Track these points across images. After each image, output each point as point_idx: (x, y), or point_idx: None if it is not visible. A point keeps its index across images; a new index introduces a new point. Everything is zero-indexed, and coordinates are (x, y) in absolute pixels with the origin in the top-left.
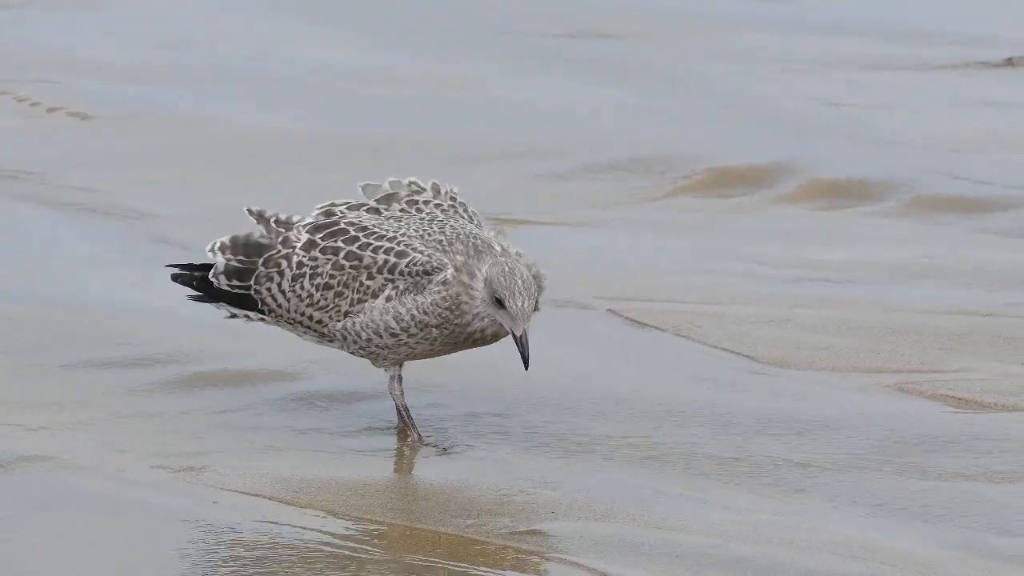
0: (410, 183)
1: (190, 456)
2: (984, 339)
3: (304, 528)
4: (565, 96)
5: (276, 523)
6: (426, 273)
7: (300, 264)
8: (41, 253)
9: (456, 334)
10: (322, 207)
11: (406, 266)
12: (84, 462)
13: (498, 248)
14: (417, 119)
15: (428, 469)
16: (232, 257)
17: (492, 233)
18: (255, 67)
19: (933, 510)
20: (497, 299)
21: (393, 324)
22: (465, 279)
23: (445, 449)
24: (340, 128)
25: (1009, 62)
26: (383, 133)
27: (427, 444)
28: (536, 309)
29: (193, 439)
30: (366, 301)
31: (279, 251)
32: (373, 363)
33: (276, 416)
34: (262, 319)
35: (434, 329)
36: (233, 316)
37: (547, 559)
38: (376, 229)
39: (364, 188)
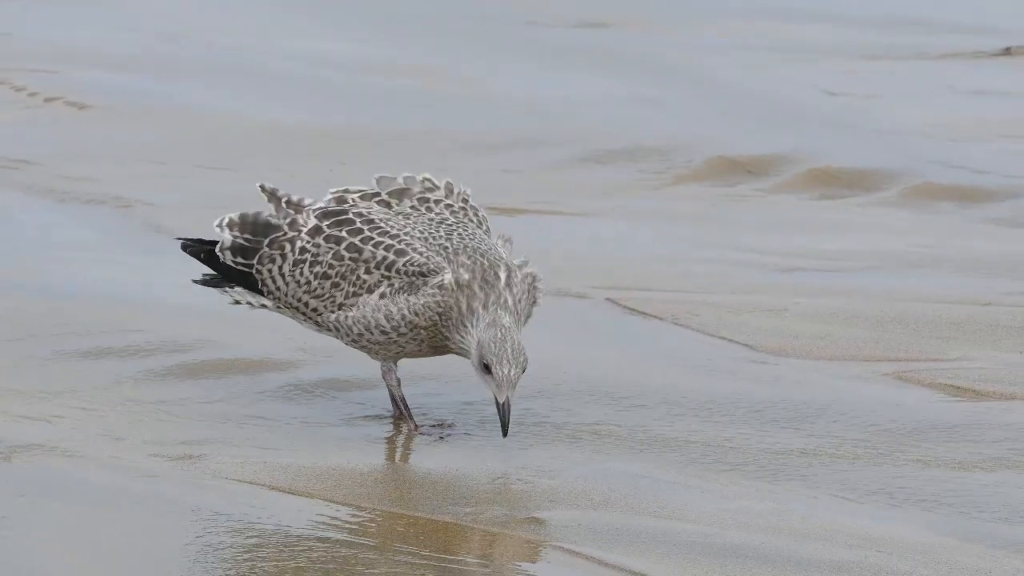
0: (423, 179)
1: (187, 444)
2: (983, 328)
3: (301, 516)
4: (563, 86)
5: (273, 511)
6: (422, 275)
7: (303, 249)
8: (37, 243)
9: (438, 338)
10: (336, 192)
11: (403, 265)
12: (81, 451)
13: (503, 276)
14: (416, 110)
15: (425, 457)
16: (239, 234)
17: (499, 241)
18: (253, 59)
19: (931, 498)
20: (484, 364)
21: (384, 322)
22: (464, 304)
23: (441, 437)
24: (338, 120)
25: (1007, 51)
26: (381, 124)
27: (423, 433)
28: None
29: (190, 427)
30: (361, 295)
31: (285, 233)
32: (369, 355)
33: (273, 404)
34: (264, 306)
35: (423, 331)
36: (237, 303)
37: (545, 547)
38: (382, 224)
39: (379, 180)
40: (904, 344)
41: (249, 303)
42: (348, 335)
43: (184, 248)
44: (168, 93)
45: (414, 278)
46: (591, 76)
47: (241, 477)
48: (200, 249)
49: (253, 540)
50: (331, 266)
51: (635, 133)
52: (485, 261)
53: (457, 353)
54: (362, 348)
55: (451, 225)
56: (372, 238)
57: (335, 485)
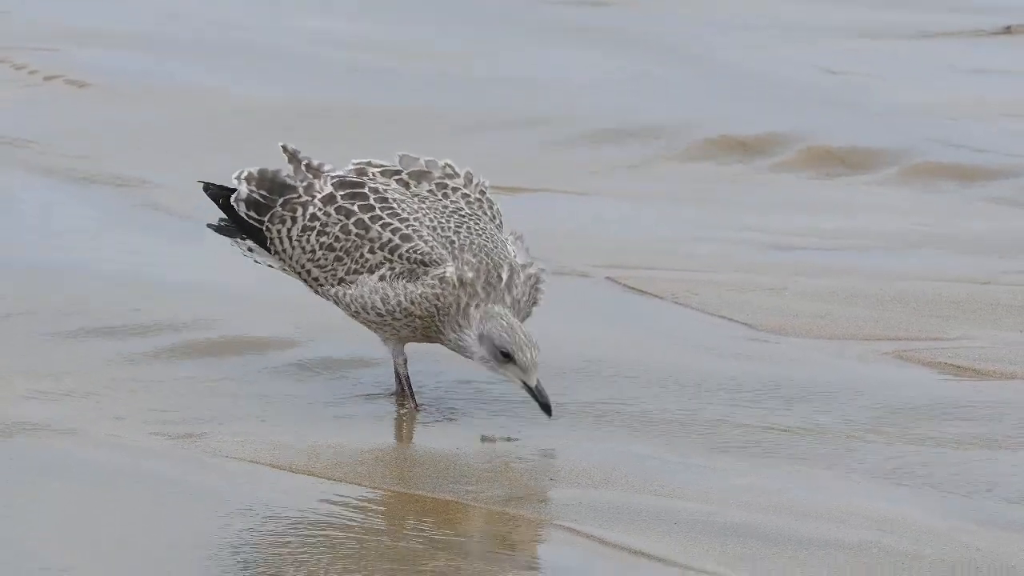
0: (445, 165)
1: (188, 423)
2: (983, 307)
3: (301, 494)
4: (563, 65)
5: (274, 489)
6: (423, 264)
7: (313, 216)
8: (37, 221)
9: (432, 329)
10: (358, 163)
11: (407, 251)
12: (81, 430)
13: (505, 276)
14: (416, 90)
15: (426, 436)
16: (255, 189)
17: (510, 238)
18: (253, 38)
19: (932, 478)
20: (504, 354)
21: (379, 304)
22: (463, 302)
23: (450, 418)
24: (339, 99)
25: (1008, 30)
26: (381, 104)
27: (424, 411)
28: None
29: (191, 406)
30: (361, 274)
31: (299, 196)
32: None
33: (274, 383)
34: (270, 266)
35: (417, 319)
36: (250, 251)
37: (545, 526)
38: (394, 205)
39: (401, 159)
40: (904, 323)
41: (257, 262)
42: (347, 310)
43: (205, 190)
44: (169, 72)
45: (415, 266)
46: (591, 55)
47: (241, 456)
48: (220, 194)
49: (253, 518)
50: (337, 239)
51: (635, 112)
52: (490, 261)
53: (447, 347)
54: (362, 324)
55: (463, 216)
56: (381, 218)
57: (336, 464)
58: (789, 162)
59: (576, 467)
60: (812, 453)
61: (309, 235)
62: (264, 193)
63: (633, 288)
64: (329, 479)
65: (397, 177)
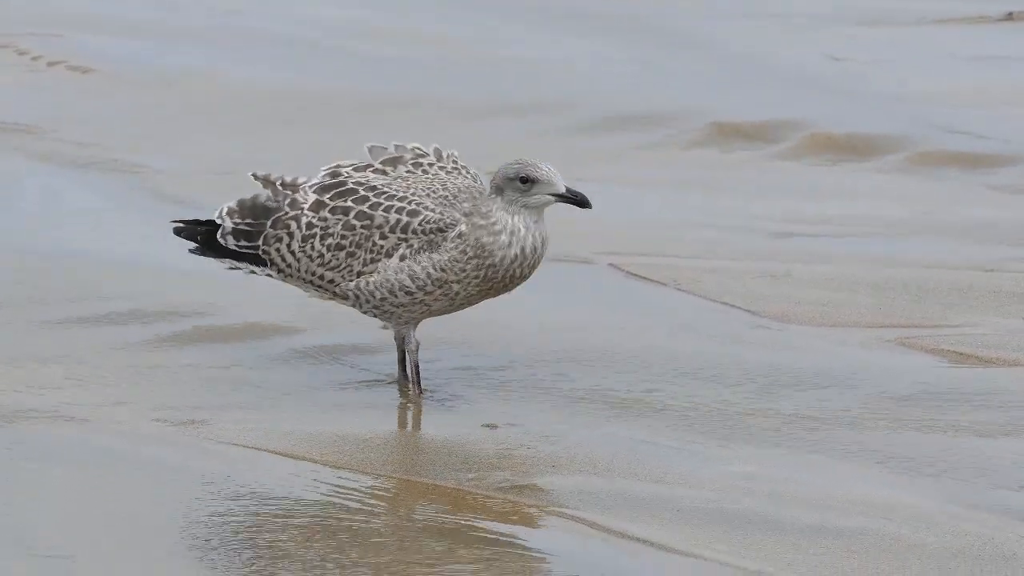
0: (413, 147)
1: (191, 410)
2: (986, 294)
3: (304, 481)
4: (565, 52)
5: (276, 476)
6: (439, 230)
7: (310, 225)
8: (40, 207)
9: (492, 279)
10: (328, 168)
11: (419, 224)
12: (84, 416)
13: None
14: (418, 76)
15: (428, 423)
16: (240, 220)
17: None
18: (257, 24)
19: (935, 465)
20: (523, 179)
21: (408, 283)
22: (478, 220)
23: (453, 406)
24: (341, 85)
25: (1010, 16)
26: (384, 91)
27: (428, 398)
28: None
29: (194, 393)
30: (379, 261)
31: (287, 213)
32: (383, 324)
33: (278, 370)
34: (268, 275)
35: (455, 284)
36: (235, 268)
37: (548, 513)
38: (386, 189)
39: (371, 150)
40: (907, 310)
41: (252, 270)
42: (369, 301)
43: (177, 233)
44: (172, 58)
45: (433, 235)
46: (594, 42)
47: (244, 442)
48: (195, 232)
49: (255, 505)
50: (343, 236)
51: (639, 100)
52: (478, 189)
53: (517, 279)
54: (382, 314)
55: (444, 179)
56: (381, 203)
57: (338, 450)
58: (792, 149)
59: (578, 454)
60: (814, 440)
61: (312, 242)
62: (250, 221)
63: (636, 275)
64: (331, 466)
65: (372, 169)
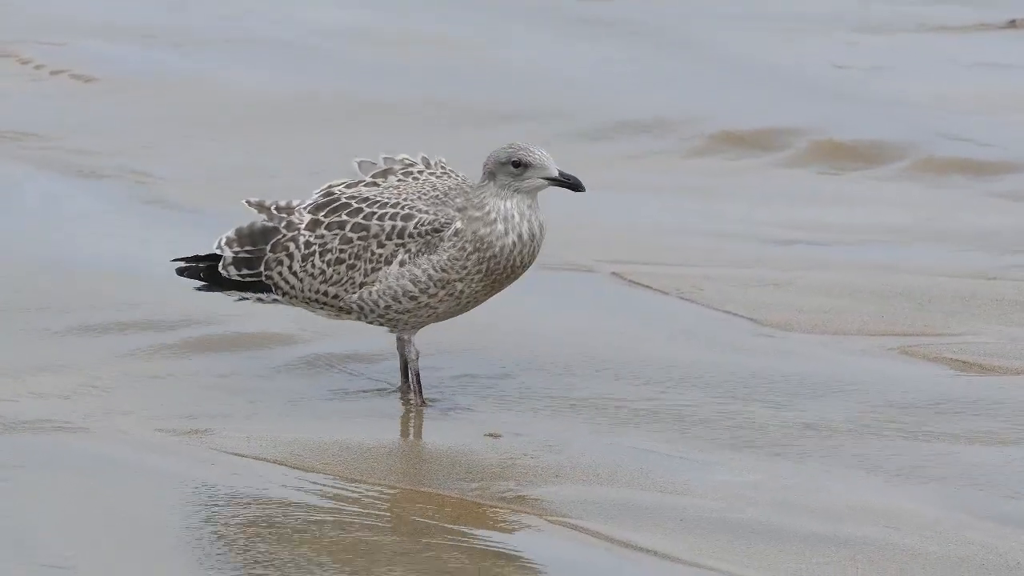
0: (402, 158)
1: (193, 419)
2: (988, 302)
3: (307, 491)
4: (568, 58)
5: (279, 485)
6: (435, 231)
7: (308, 244)
8: (43, 215)
9: (494, 271)
10: (320, 189)
11: (414, 227)
12: (87, 425)
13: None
14: (419, 80)
15: (431, 432)
16: (239, 248)
17: None
18: (260, 30)
19: (937, 473)
20: (515, 163)
21: (411, 287)
22: (473, 213)
23: (456, 415)
24: (343, 90)
25: (1011, 24)
26: (385, 94)
27: (430, 407)
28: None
29: (196, 402)
30: (380, 269)
31: (285, 235)
32: (391, 330)
33: (280, 379)
34: (276, 300)
35: (458, 283)
36: (243, 299)
37: (551, 523)
38: (378, 198)
39: (360, 165)
40: (909, 318)
41: (259, 298)
42: (374, 311)
43: (180, 273)
44: (175, 66)
45: (429, 237)
46: (595, 48)
47: (246, 451)
48: (197, 269)
49: (257, 514)
50: (342, 250)
51: (640, 106)
52: (469, 185)
53: (519, 268)
54: (388, 322)
55: (434, 183)
56: (374, 213)
57: (340, 460)
58: (794, 157)
59: (581, 463)
60: (817, 449)
61: (312, 260)
62: (249, 248)
63: (638, 283)
64: (334, 475)
65: (363, 183)
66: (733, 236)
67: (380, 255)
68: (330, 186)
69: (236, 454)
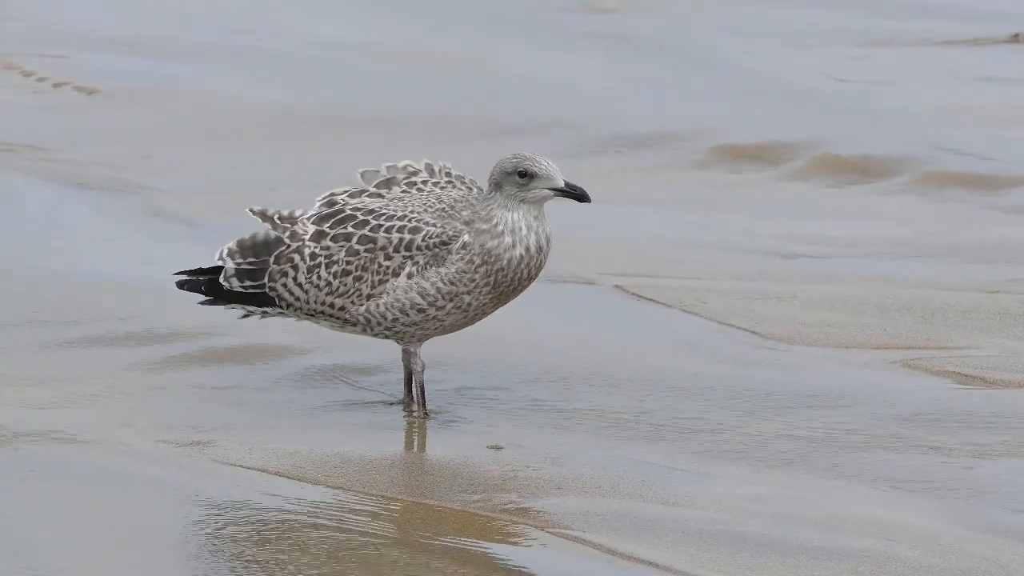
0: (405, 166)
1: (196, 431)
2: (991, 315)
3: (309, 503)
4: (568, 71)
5: (281, 497)
6: (443, 244)
7: (313, 255)
8: (44, 228)
9: (502, 284)
10: (323, 198)
11: (422, 240)
12: (89, 437)
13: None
14: (421, 93)
15: (433, 444)
16: (242, 260)
17: None
18: (258, 42)
19: (940, 486)
20: (521, 173)
21: (419, 300)
22: (480, 225)
23: (457, 427)
24: (344, 103)
25: (1015, 38)
26: (386, 107)
27: (433, 420)
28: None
29: (199, 414)
30: (387, 281)
31: (289, 246)
32: (398, 342)
33: (282, 391)
34: (281, 313)
35: (466, 296)
36: (247, 315)
37: (553, 535)
38: (384, 210)
39: (363, 175)
40: (912, 332)
41: (264, 311)
42: (381, 323)
43: (180, 286)
44: (177, 78)
45: (437, 250)
46: (597, 61)
47: (249, 464)
48: (198, 283)
49: (259, 526)
50: (348, 262)
51: (643, 120)
52: (475, 194)
53: (525, 280)
54: (394, 335)
55: (440, 194)
56: (382, 225)
57: (343, 472)
58: (798, 170)
59: (583, 475)
60: (821, 462)
61: (318, 271)
62: (252, 259)
63: (641, 296)
64: (336, 487)
65: (366, 194)
66: (736, 249)
67: (387, 267)
68: (332, 194)
69: (238, 466)
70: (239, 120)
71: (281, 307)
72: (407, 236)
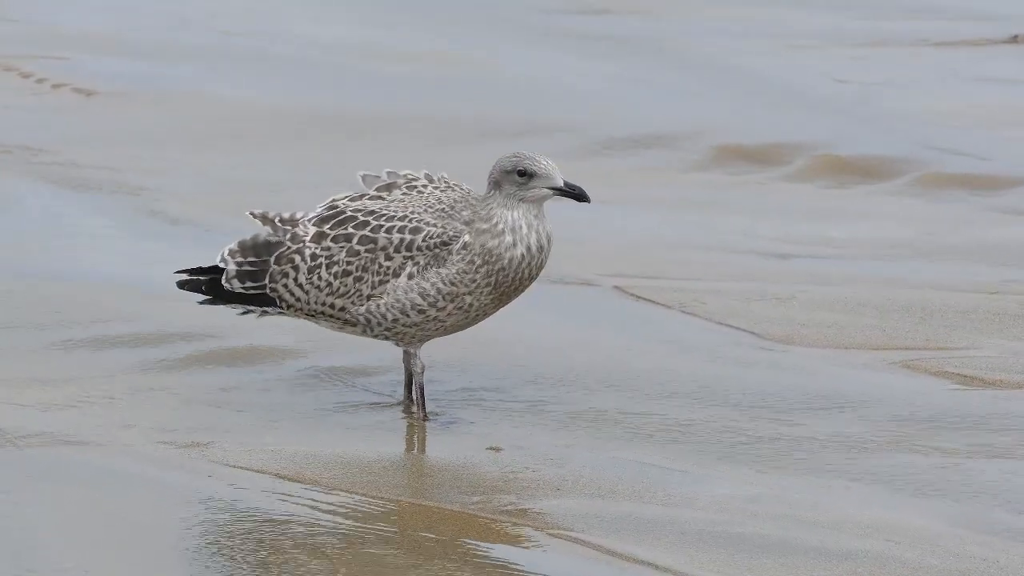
0: (406, 173)
1: (196, 432)
2: (990, 316)
3: (309, 504)
4: (568, 73)
5: (281, 499)
6: (444, 244)
7: (314, 256)
8: (44, 229)
9: (503, 284)
10: (324, 202)
11: (422, 241)
12: (89, 438)
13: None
14: (420, 95)
15: (433, 446)
16: (243, 260)
17: None
18: (256, 44)
19: (939, 487)
20: (520, 172)
21: (419, 300)
22: (481, 225)
23: (457, 429)
24: (343, 104)
25: (1014, 39)
26: (385, 109)
27: (432, 422)
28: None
29: (198, 415)
30: (388, 282)
31: (290, 247)
32: (396, 344)
33: (282, 393)
34: (280, 313)
35: (467, 297)
36: (247, 312)
37: (553, 536)
38: (385, 211)
39: (364, 178)
40: (912, 332)
41: (264, 311)
42: (381, 324)
43: (181, 286)
44: (176, 79)
45: (438, 250)
46: (596, 63)
47: (248, 465)
48: (198, 283)
49: (260, 527)
50: (349, 262)
51: (642, 121)
52: (474, 196)
53: (526, 280)
54: (394, 336)
55: (439, 196)
56: (382, 226)
57: (342, 473)
58: (797, 172)
59: (583, 476)
60: (820, 463)
61: (319, 272)
62: (253, 260)
63: (640, 297)
64: (336, 488)
65: (367, 197)
66: (735, 250)
67: (388, 267)
68: (334, 199)
69: (238, 467)
70: (238, 121)
71: (281, 307)
72: (408, 236)
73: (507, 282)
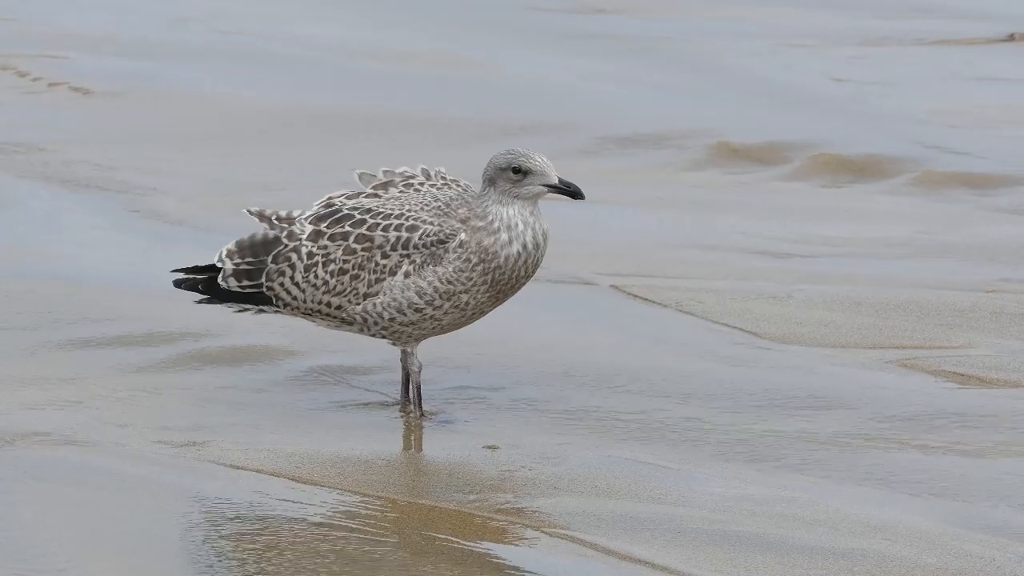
0: (402, 171)
1: (192, 431)
2: (987, 315)
3: (305, 503)
4: (566, 72)
5: (278, 498)
6: (440, 242)
7: (311, 254)
8: (42, 229)
9: (499, 281)
10: (321, 200)
11: (419, 239)
12: (86, 438)
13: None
14: (418, 95)
15: (430, 444)
16: (241, 260)
17: None
18: (256, 44)
19: (935, 486)
20: (515, 169)
21: (416, 299)
22: (476, 223)
23: (454, 427)
24: (342, 104)
25: (1011, 37)
26: (383, 109)
27: (429, 420)
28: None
29: (195, 415)
30: (384, 280)
31: (286, 245)
32: (393, 343)
33: (279, 392)
34: (277, 311)
35: (463, 295)
36: (243, 310)
37: (549, 535)
38: (381, 209)
39: (360, 176)
40: (908, 331)
41: (261, 309)
42: (378, 323)
43: (177, 285)
44: (173, 78)
45: (434, 248)
46: (594, 63)
47: (245, 464)
48: (195, 282)
49: (257, 526)
50: (345, 260)
51: (639, 120)
52: (471, 193)
53: (522, 278)
54: (391, 334)
55: (436, 193)
56: (378, 224)
57: (339, 472)
58: (796, 170)
59: (580, 475)
60: (817, 461)
61: (315, 270)
62: (250, 259)
63: (637, 296)
64: (332, 487)
65: (364, 195)
66: (732, 249)
67: (384, 266)
68: (330, 197)
69: (234, 466)
70: (236, 121)
71: (278, 306)
72: (404, 234)
73: (503, 280)
